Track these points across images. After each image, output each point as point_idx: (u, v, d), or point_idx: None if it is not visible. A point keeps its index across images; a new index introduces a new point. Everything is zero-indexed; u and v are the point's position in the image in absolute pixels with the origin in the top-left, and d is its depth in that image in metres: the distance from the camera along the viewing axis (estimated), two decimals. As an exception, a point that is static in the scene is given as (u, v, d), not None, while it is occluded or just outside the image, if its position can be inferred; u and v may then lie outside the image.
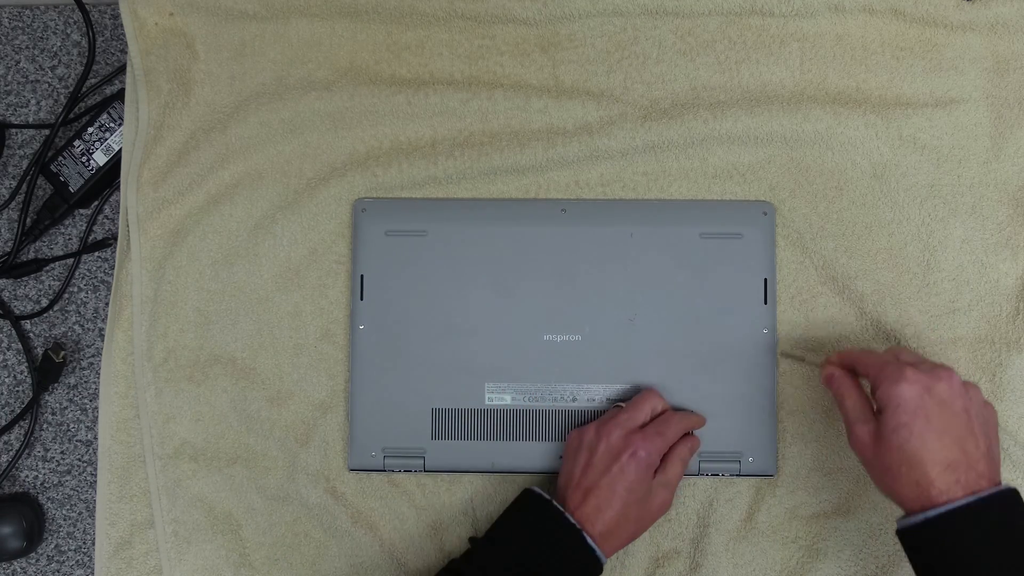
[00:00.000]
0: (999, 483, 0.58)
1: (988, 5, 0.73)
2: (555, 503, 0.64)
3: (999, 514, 0.56)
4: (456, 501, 0.73)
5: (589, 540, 0.62)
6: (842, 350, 0.68)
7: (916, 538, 0.58)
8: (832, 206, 0.74)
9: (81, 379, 0.77)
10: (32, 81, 0.79)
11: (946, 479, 0.57)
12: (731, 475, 0.71)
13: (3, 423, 0.77)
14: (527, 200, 0.74)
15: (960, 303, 0.73)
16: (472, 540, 0.68)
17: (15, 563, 0.76)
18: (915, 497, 0.58)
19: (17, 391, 0.78)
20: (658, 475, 0.66)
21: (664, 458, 0.67)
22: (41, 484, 0.77)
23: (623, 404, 0.69)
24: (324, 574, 0.72)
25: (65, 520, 0.76)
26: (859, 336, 0.72)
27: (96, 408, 0.77)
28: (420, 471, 0.72)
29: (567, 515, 0.63)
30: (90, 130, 0.76)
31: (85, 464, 0.77)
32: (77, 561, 0.76)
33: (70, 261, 0.78)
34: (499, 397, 0.72)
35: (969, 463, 0.57)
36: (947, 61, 0.74)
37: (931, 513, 0.56)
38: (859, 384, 0.65)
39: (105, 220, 0.79)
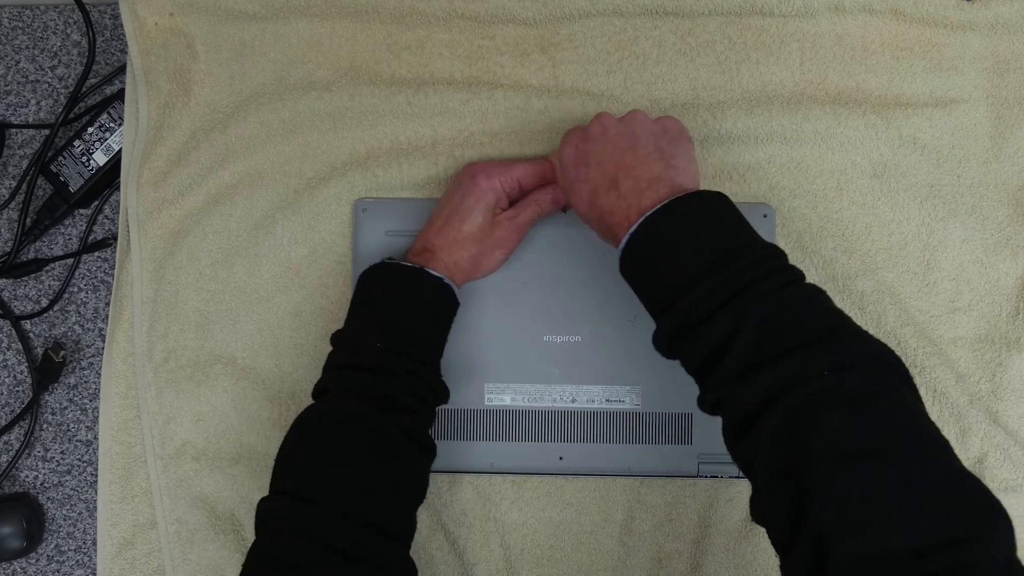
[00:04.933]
0: (676, 188, 0.58)
1: (988, 5, 0.73)
2: (389, 260, 0.66)
3: (682, 216, 0.57)
4: (457, 501, 0.73)
5: (431, 271, 0.65)
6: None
7: (625, 270, 0.60)
8: (832, 206, 0.74)
9: (81, 379, 0.77)
10: (32, 81, 0.79)
11: (611, 200, 0.60)
12: (731, 477, 0.71)
13: (3, 423, 0.77)
14: (527, 200, 0.74)
15: (960, 303, 0.73)
16: (332, 336, 0.67)
17: (15, 563, 0.76)
18: (617, 231, 0.60)
19: (17, 391, 0.78)
20: (507, 211, 0.68)
21: (523, 199, 0.69)
22: (41, 484, 0.77)
23: None
24: (324, 574, 0.72)
25: (65, 520, 0.77)
26: (859, 336, 0.73)
27: (96, 408, 0.77)
28: (420, 471, 0.72)
29: (402, 263, 0.65)
30: (90, 130, 0.76)
31: (85, 464, 0.77)
32: (77, 561, 0.76)
33: (70, 261, 0.78)
34: (499, 397, 0.72)
35: (638, 177, 0.59)
36: (947, 61, 0.74)
37: (623, 240, 0.58)
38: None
39: (105, 220, 0.79)
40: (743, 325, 0.52)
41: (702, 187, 0.73)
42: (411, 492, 0.62)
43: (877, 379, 0.49)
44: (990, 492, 0.45)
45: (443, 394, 0.65)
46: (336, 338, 0.65)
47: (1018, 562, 0.44)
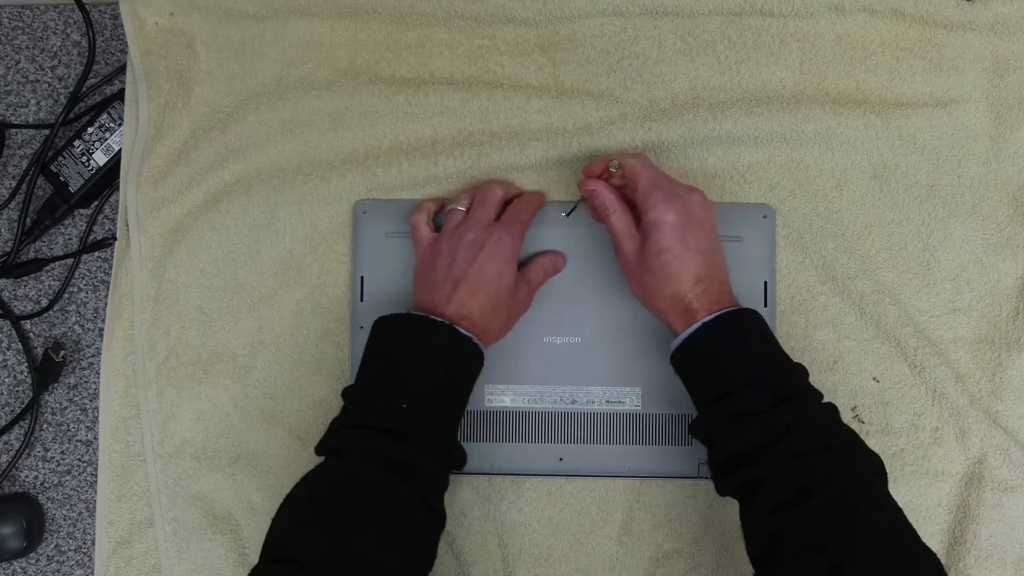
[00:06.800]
0: (725, 292, 0.64)
1: (988, 5, 0.73)
2: (414, 312, 0.63)
3: (741, 326, 0.63)
4: (456, 501, 0.73)
5: (463, 331, 0.63)
6: (599, 161, 0.68)
7: (680, 359, 0.64)
8: (832, 206, 0.73)
9: (81, 379, 0.77)
10: (32, 81, 0.79)
11: (696, 291, 0.63)
12: (731, 476, 0.71)
13: (3, 423, 0.77)
14: (527, 200, 0.74)
15: (960, 303, 0.73)
16: (345, 391, 0.64)
17: (15, 563, 0.76)
18: (673, 315, 0.64)
19: (17, 391, 0.78)
20: (520, 273, 0.68)
21: (528, 263, 0.70)
22: (41, 484, 0.77)
23: (461, 208, 0.69)
24: (324, 574, 0.72)
25: (65, 520, 0.77)
26: (859, 336, 0.72)
27: (96, 408, 0.77)
28: (420, 471, 0.72)
29: (432, 317, 0.62)
30: (90, 130, 0.76)
31: (85, 464, 0.77)
32: (77, 561, 0.76)
33: (70, 261, 0.78)
34: (499, 399, 0.72)
35: (715, 275, 0.64)
36: (947, 61, 0.74)
37: (687, 332, 0.62)
38: (622, 199, 0.67)
39: (105, 220, 0.79)
40: (796, 423, 0.59)
41: (703, 186, 0.74)
42: (421, 564, 0.59)
43: (883, 484, 0.59)
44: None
45: (460, 459, 0.64)
46: (351, 393, 0.62)
47: None
